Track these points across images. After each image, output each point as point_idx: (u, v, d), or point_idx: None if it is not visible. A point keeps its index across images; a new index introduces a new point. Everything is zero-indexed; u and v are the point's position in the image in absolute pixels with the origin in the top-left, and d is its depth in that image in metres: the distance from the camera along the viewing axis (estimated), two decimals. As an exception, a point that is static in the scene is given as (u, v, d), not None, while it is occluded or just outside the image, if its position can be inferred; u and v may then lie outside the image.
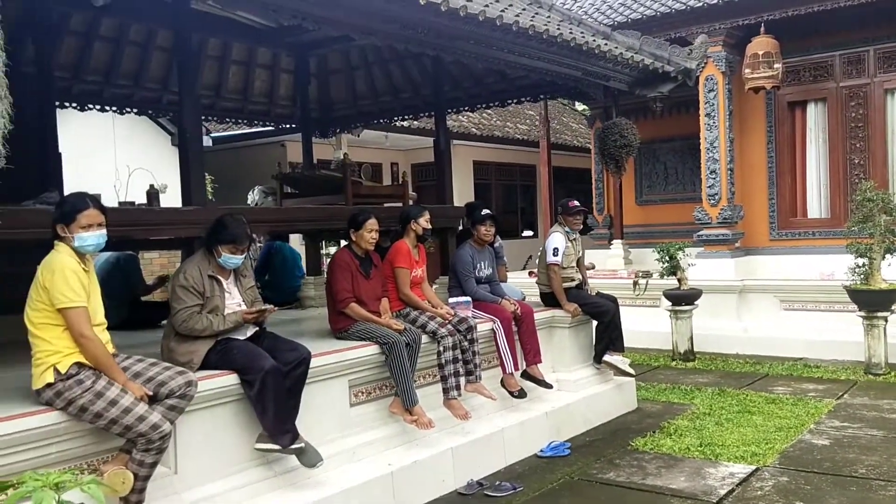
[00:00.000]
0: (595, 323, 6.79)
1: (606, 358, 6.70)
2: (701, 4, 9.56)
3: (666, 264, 9.07)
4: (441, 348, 5.24)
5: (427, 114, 8.66)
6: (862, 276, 7.88)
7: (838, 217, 9.59)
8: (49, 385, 3.38)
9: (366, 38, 5.04)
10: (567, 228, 6.69)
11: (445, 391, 5.26)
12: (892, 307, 7.85)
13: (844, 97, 9.67)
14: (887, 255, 7.86)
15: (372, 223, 5.11)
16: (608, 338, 6.68)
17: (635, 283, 9.66)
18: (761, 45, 9.26)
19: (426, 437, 5.01)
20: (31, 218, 3.79)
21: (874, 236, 7.82)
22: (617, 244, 12.43)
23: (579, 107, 21.36)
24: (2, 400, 3.55)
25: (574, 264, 6.76)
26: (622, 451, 5.68)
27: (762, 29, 9.31)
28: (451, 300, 5.88)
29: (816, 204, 10.12)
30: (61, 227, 3.49)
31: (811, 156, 10.12)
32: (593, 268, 12.04)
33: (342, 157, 7.24)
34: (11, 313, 3.90)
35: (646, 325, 9.79)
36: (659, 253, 9.13)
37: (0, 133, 3.01)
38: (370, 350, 4.88)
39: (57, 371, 3.37)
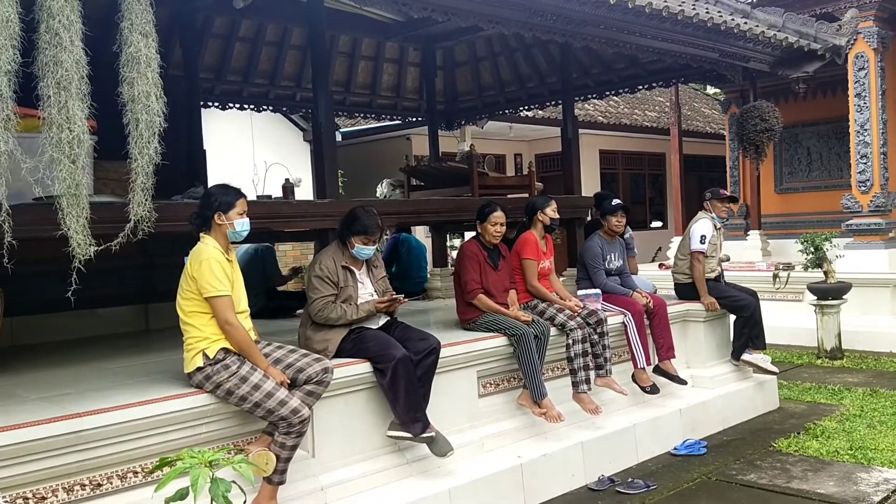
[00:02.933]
0: (733, 317, 6.48)
1: (745, 356, 6.38)
2: (850, -24, 8.90)
3: (811, 256, 8.51)
4: (570, 341, 5.15)
5: (553, 102, 8.53)
6: None
7: None
8: (199, 369, 3.58)
9: (494, 27, 5.00)
10: (714, 215, 6.43)
11: (575, 385, 5.16)
12: None
13: None
14: None
15: (497, 216, 5.07)
16: (748, 334, 6.35)
17: (776, 276, 9.15)
18: (920, 16, 8.50)
19: (555, 430, 4.94)
20: (183, 211, 4.02)
21: None
22: (754, 235, 11.86)
23: (711, 91, 20.48)
24: (158, 382, 3.81)
25: (716, 255, 6.49)
26: (763, 451, 5.39)
27: (921, -1, 8.56)
28: (580, 292, 5.76)
29: None
30: (219, 215, 3.67)
31: (980, 136, 9.23)
32: (728, 259, 11.54)
33: (468, 148, 7.25)
34: (166, 300, 4.17)
35: (787, 321, 9.27)
36: (803, 244, 8.58)
37: (156, 131, 3.21)
38: (498, 342, 4.86)
39: (206, 356, 3.56)
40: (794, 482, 4.74)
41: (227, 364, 3.56)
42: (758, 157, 7.15)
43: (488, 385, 4.93)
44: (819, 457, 5.19)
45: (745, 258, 11.35)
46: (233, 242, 3.83)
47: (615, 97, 16.83)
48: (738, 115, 7.18)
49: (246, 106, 8.09)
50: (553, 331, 5.14)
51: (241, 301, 3.76)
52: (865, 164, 9.32)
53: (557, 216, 5.58)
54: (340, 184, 10.96)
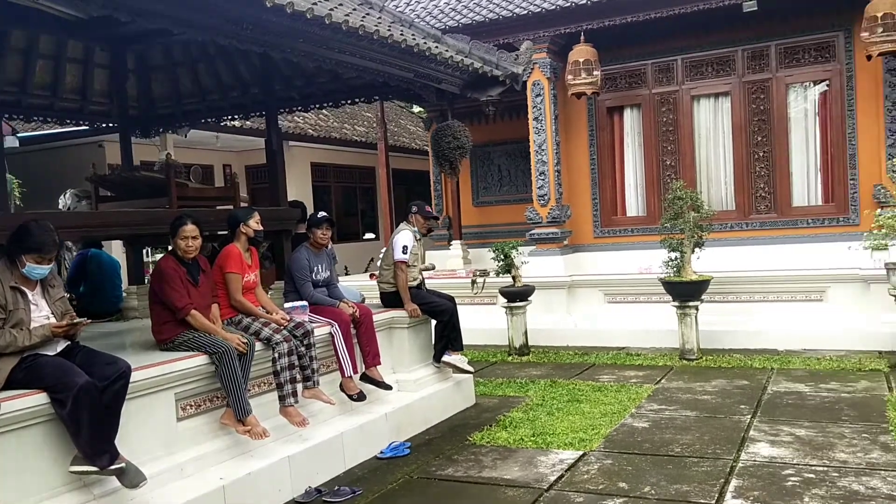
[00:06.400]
0: (434, 322, 6.88)
1: (445, 358, 6.80)
2: (526, 12, 9.96)
3: (501, 263, 9.37)
4: (276, 355, 5.10)
5: (258, 113, 8.39)
6: (675, 269, 8.52)
7: (654, 215, 10.32)
8: None
9: (185, 32, 4.75)
10: (416, 229, 6.77)
11: (281, 399, 5.12)
12: (702, 297, 8.55)
13: (656, 103, 10.43)
14: (696, 249, 8.55)
15: (188, 230, 4.83)
16: (447, 337, 6.79)
17: (473, 282, 9.92)
18: (581, 52, 9.78)
19: (261, 447, 4.85)
20: None
21: (684, 232, 8.48)
22: (456, 244, 12.70)
23: (416, 109, 21.65)
24: None
25: (417, 264, 6.85)
26: (460, 446, 5.78)
27: (582, 37, 9.84)
28: (287, 305, 5.75)
29: (634, 203, 10.84)
30: None
31: (629, 158, 10.83)
32: (433, 268, 12.27)
33: (165, 157, 6.86)
34: None
35: (484, 323, 10.06)
36: (494, 252, 9.41)
37: None
38: (198, 360, 4.65)
39: None
40: (485, 471, 5.15)
41: None
42: (452, 172, 7.69)
43: (188, 407, 4.69)
44: (507, 445, 5.70)
45: (449, 266, 12.14)
46: None
47: (325, 111, 17.09)
48: (433, 134, 7.65)
49: None
50: (259, 345, 5.05)
51: None
52: (543, 180, 10.48)
53: (261, 228, 5.50)
54: (18, 194, 9.75)
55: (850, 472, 4.76)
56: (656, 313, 9.38)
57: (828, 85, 9.55)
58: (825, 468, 4.85)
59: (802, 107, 9.81)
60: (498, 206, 13.15)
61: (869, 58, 8.42)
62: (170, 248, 4.98)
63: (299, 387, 5.26)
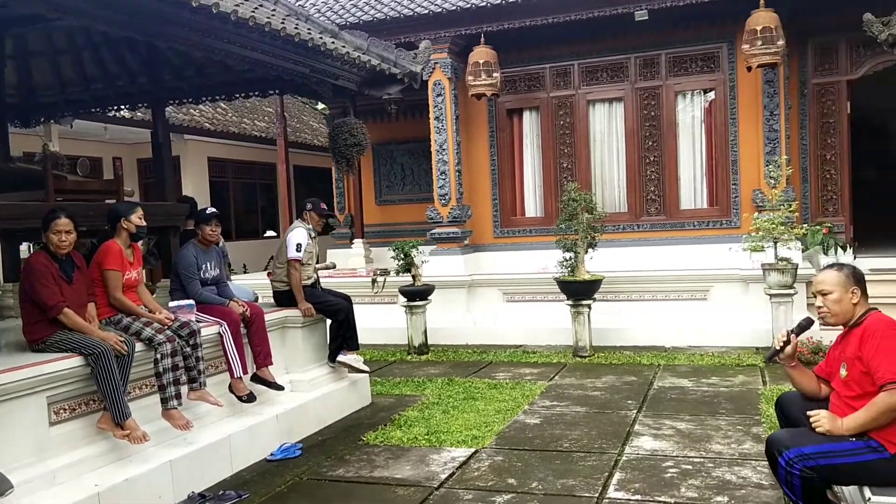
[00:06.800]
0: (329, 322, 6.80)
1: (340, 357, 6.73)
2: (427, 12, 9.98)
3: (401, 262, 9.37)
4: (158, 356, 4.90)
5: (145, 104, 8.04)
6: (569, 269, 8.73)
7: (551, 216, 10.52)
8: None
9: (62, 18, 4.51)
10: (311, 226, 6.67)
11: (164, 401, 4.93)
12: (595, 296, 8.80)
13: (554, 106, 10.66)
14: (590, 250, 8.79)
15: (60, 224, 4.58)
16: (342, 336, 6.72)
17: (374, 281, 9.88)
18: (481, 54, 9.89)
19: (142, 451, 4.66)
20: None
21: (578, 233, 8.71)
22: (358, 243, 12.62)
23: (320, 106, 21.38)
24: None
25: (312, 262, 6.75)
26: (353, 446, 5.73)
27: (482, 39, 9.95)
28: (172, 304, 5.54)
29: (533, 204, 11.04)
30: None
31: (528, 159, 11.03)
32: (335, 267, 12.14)
33: (43, 148, 6.50)
34: None
35: (384, 322, 10.04)
36: (395, 251, 9.40)
37: None
38: (73, 362, 4.42)
39: None
40: (376, 471, 5.12)
41: None
42: (349, 169, 7.61)
43: (62, 411, 4.45)
44: (400, 445, 5.69)
45: (351, 265, 12.06)
46: None
47: (223, 104, 16.63)
48: (330, 130, 7.56)
49: None
50: (139, 346, 4.84)
51: None
52: (444, 179, 10.54)
53: (144, 224, 5.28)
54: None
55: (724, 462, 5.00)
56: (552, 312, 9.57)
57: (714, 94, 10.01)
58: (702, 459, 5.07)
59: (690, 114, 10.25)
60: (401, 205, 13.15)
61: (749, 69, 8.89)
62: (42, 243, 4.72)
63: (184, 389, 5.08)
